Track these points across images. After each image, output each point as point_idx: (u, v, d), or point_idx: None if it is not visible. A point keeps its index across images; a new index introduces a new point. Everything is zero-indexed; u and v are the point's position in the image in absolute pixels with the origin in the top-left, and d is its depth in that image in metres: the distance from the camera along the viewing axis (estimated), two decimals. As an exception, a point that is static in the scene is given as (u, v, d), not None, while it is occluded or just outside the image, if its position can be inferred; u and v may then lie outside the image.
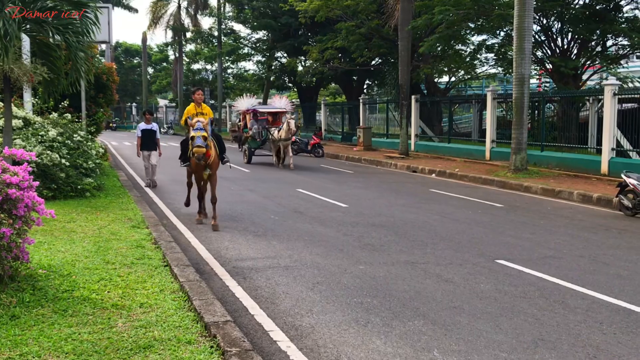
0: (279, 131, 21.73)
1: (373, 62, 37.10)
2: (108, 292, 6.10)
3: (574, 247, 9.39)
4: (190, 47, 60.42)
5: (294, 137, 22.38)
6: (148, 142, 15.92)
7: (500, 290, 6.98)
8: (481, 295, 6.75)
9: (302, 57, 41.06)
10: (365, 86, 43.08)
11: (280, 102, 25.09)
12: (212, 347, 4.76)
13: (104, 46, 33.22)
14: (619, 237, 10.22)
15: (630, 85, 22.96)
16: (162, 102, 73.37)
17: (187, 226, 10.47)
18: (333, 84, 46.66)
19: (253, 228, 10.36)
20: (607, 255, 8.87)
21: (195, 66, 62.44)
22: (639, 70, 26.04)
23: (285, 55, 43.21)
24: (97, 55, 23.05)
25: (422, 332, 5.56)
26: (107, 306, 5.65)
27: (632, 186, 12.20)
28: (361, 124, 32.24)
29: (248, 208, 12.63)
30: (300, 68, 42.25)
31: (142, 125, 16.02)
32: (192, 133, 9.87)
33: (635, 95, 19.67)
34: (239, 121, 31.39)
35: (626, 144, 18.19)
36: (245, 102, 25.10)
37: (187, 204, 11.97)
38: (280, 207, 12.75)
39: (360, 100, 33.77)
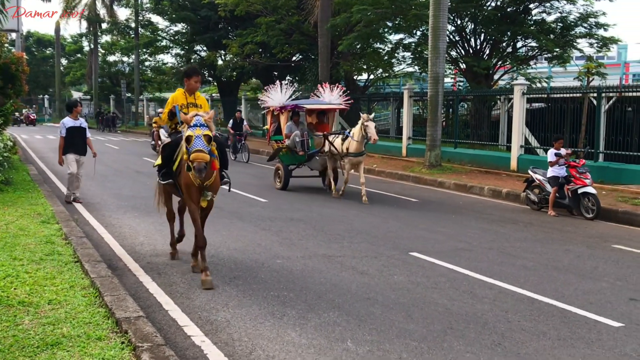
0: (343, 140, 14.00)
1: (294, 58, 37.16)
2: (15, 289, 5.88)
3: (483, 239, 9.76)
4: (106, 38, 58.60)
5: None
6: (76, 143, 12.22)
7: (413, 281, 7.18)
8: (394, 287, 6.92)
9: (222, 51, 40.62)
10: (286, 81, 43.07)
11: (331, 94, 15.79)
12: (123, 342, 4.67)
13: (14, 35, 31.76)
14: (526, 230, 10.71)
15: (538, 85, 24.02)
16: (76, 95, 70.76)
17: (100, 221, 10.18)
18: (254, 79, 46.40)
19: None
20: (514, 247, 9.28)
21: (112, 58, 60.61)
22: (546, 72, 27.23)
23: (204, 48, 42.62)
24: (7, 45, 21.98)
25: (337, 324, 5.65)
26: (13, 303, 5.44)
27: (538, 181, 12.79)
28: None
29: (165, 203, 12.41)
30: (220, 62, 41.78)
31: (68, 122, 12.27)
32: (189, 132, 6.48)
33: (543, 95, 20.60)
34: (265, 124, 19.88)
35: (534, 142, 19.03)
36: (277, 95, 15.47)
37: (174, 252, 7.99)
38: (198, 202, 12.60)
39: (282, 96, 33.71)
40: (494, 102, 22.56)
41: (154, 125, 24.05)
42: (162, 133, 23.32)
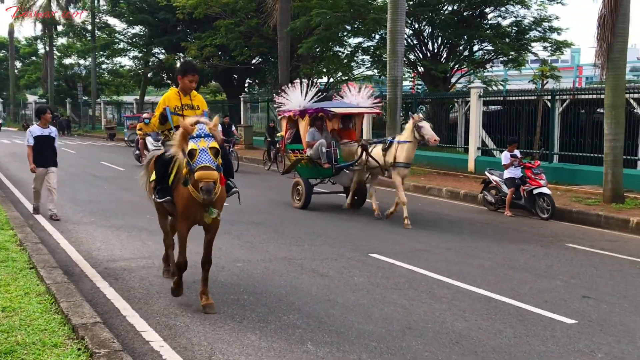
0: (385, 149, 11.69)
1: (253, 61, 37.08)
2: (-34, 297, 5.73)
3: (442, 240, 9.89)
4: (62, 40, 57.51)
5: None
6: (45, 154, 10.86)
7: (372, 282, 7.23)
8: (354, 288, 6.97)
9: (181, 54, 40.24)
10: (246, 84, 42.95)
11: (357, 95, 13.35)
12: (79, 349, 4.60)
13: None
14: (483, 231, 10.89)
15: (494, 88, 24.45)
16: (31, 98, 69.16)
17: (56, 227, 9.99)
18: (213, 82, 46.12)
19: (127, 228, 10.06)
20: (471, 247, 9.42)
21: (68, 61, 59.52)
22: (502, 75, 27.75)
23: (163, 51, 42.21)
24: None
25: (297, 326, 5.66)
26: (-36, 312, 5.30)
27: (494, 183, 13.02)
28: (242, 123, 32.14)
29: (122, 207, 12.25)
30: (178, 65, 41.41)
31: (36, 130, 10.90)
32: (192, 144, 5.45)
33: (499, 98, 20.97)
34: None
35: (490, 144, 19.36)
36: (297, 97, 12.91)
37: (177, 289, 6.34)
38: (157, 207, 12.47)
39: (241, 99, 33.65)
40: (452, 105, 22.88)
41: (139, 132, 21.86)
42: (150, 141, 20.83)
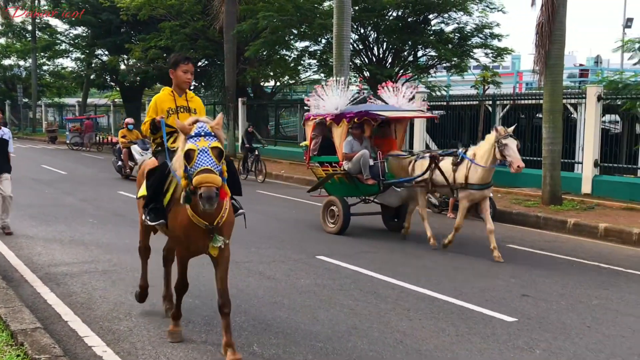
0: (456, 163, 9.45)
1: (199, 64, 36.71)
2: None
3: (387, 242, 10.04)
4: (0, 40, 55.72)
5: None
6: None
7: (319, 284, 7.29)
8: (301, 290, 7.01)
9: (125, 56, 39.56)
10: (192, 87, 42.49)
11: (398, 95, 11.13)
12: (19, 356, 4.50)
13: None
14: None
15: (438, 93, 24.92)
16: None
17: (-6, 232, 9.69)
18: (159, 84, 45.47)
19: (69, 232, 9.85)
20: (415, 248, 9.60)
21: (7, 62, 57.65)
22: (445, 80, 28.30)
23: (106, 53, 41.35)
24: None
25: (243, 328, 5.67)
26: None
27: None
28: (187, 126, 31.76)
29: (63, 212, 11.97)
30: (122, 67, 40.69)
31: None
32: (189, 144, 4.50)
33: (443, 103, 21.38)
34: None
35: (434, 147, 19.72)
36: (332, 98, 10.71)
37: (169, 305, 5.89)
38: (100, 211, 12.25)
39: (187, 102, 33.27)
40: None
41: (122, 140, 18.54)
42: (136, 150, 18.13)
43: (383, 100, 11.25)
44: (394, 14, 24.70)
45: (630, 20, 38.91)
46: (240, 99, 28.04)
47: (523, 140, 16.76)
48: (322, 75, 29.03)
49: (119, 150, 18.80)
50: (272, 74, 31.15)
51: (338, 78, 11.40)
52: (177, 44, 30.94)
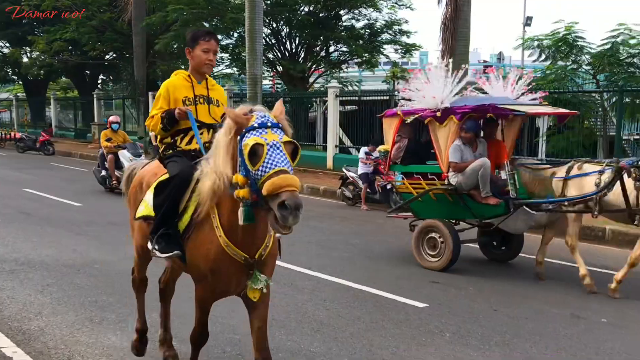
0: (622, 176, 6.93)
1: (107, 57, 35.60)
2: None
3: (303, 234, 10.12)
4: None
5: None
6: None
7: (235, 278, 7.30)
8: (217, 284, 6.99)
9: (28, 48, 37.82)
10: (99, 81, 41.15)
11: (507, 86, 8.45)
12: None
13: None
14: (342, 224, 11.31)
15: (350, 88, 25.32)
16: None
17: None
18: (64, 78, 43.74)
19: (-29, 232, 9.40)
20: (331, 240, 9.76)
21: None
22: (357, 76, 28.78)
23: (7, 44, 39.38)
24: None
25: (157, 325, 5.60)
26: None
27: (351, 179, 13.54)
28: (96, 121, 30.83)
29: (-36, 211, 11.39)
30: (25, 59, 38.87)
31: None
32: (253, 138, 3.28)
33: (355, 98, 21.76)
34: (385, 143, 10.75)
35: (347, 142, 20.05)
36: (435, 89, 7.97)
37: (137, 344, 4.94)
38: (5, 209, 11.72)
39: (95, 96, 32.26)
40: (311, 104, 23.42)
41: (105, 144, 14.77)
42: (125, 156, 14.38)
43: (483, 92, 8.71)
44: (306, 9, 24.90)
45: (529, 18, 40.82)
46: (150, 93, 27.43)
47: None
48: (235, 69, 28.87)
49: (102, 157, 15.08)
50: (183, 67, 30.62)
51: (443, 61, 8.46)
52: (84, 37, 29.95)
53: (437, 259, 7.95)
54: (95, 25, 29.80)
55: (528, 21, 40.49)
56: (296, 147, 3.38)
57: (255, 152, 3.23)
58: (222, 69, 31.64)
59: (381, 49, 25.67)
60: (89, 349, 4.96)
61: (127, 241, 8.98)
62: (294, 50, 25.61)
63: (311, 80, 26.50)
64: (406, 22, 24.95)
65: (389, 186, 12.79)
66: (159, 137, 4.34)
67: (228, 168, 3.44)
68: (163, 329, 4.90)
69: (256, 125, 3.33)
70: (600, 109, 15.75)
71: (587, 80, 16.90)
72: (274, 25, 25.18)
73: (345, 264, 8.18)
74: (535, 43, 17.44)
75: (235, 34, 25.96)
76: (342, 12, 25.09)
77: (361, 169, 13.15)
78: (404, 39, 25.19)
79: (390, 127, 8.66)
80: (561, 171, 7.59)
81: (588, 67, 16.72)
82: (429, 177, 8.27)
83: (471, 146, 7.95)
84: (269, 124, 3.35)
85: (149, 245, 4.06)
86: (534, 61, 18.87)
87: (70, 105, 37.94)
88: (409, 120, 8.20)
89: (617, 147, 12.68)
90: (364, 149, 13.35)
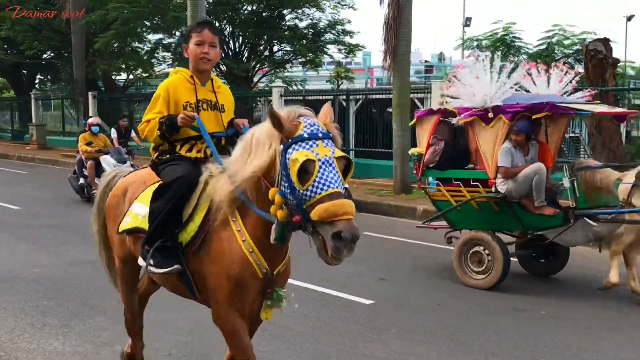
0: None
1: (45, 56, 34.60)
2: None
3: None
4: None
5: None
6: None
7: (181, 279, 7.23)
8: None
9: (-43, 47, 36.44)
10: (37, 81, 39.94)
11: (551, 81, 7.61)
12: None
13: None
14: (287, 224, 11.31)
15: (295, 88, 25.37)
16: None
17: None
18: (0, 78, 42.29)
19: None
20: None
21: None
22: (301, 75, 28.85)
23: None
24: None
25: (104, 328, 5.53)
26: None
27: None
28: (34, 121, 29.94)
29: None
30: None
31: None
32: (302, 152, 2.86)
33: (299, 97, 21.78)
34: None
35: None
36: (481, 86, 7.09)
37: None
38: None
39: (32, 96, 31.31)
40: (255, 104, 23.36)
41: (84, 149, 13.33)
42: (108, 162, 12.65)
43: (525, 90, 7.87)
44: (249, 8, 24.81)
45: (469, 19, 41.76)
46: (90, 93, 26.82)
47: (375, 133, 17.57)
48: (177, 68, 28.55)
49: (80, 163, 13.46)
50: (124, 67, 30.08)
51: (488, 54, 7.43)
52: (20, 35, 29.03)
53: (484, 276, 7.11)
54: (32, 23, 28.94)
55: (467, 22, 41.41)
56: (349, 163, 2.99)
57: (306, 169, 2.81)
58: (164, 68, 31.21)
59: (325, 49, 25.80)
60: (31, 355, 4.85)
61: (68, 245, 8.81)
62: (237, 50, 25.49)
63: (255, 79, 26.42)
64: (349, 22, 25.19)
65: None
66: (152, 145, 3.83)
67: (243, 180, 3.12)
68: (133, 341, 4.46)
69: (306, 135, 2.91)
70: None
71: (525, 80, 17.35)
72: (217, 24, 25.00)
73: (293, 264, 8.16)
74: (475, 43, 17.89)
75: (178, 33, 25.65)
76: (285, 11, 25.12)
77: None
78: (347, 39, 25.41)
79: (424, 129, 7.80)
80: (629, 176, 6.81)
81: (525, 67, 17.15)
82: (472, 183, 7.38)
83: (522, 150, 7.17)
84: (320, 135, 2.94)
85: (141, 261, 3.56)
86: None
87: (6, 106, 36.69)
88: (455, 121, 7.29)
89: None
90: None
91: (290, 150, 2.89)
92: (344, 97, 17.99)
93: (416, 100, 17.01)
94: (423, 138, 7.82)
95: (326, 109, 3.15)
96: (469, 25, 41.07)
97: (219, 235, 3.28)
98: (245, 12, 24.70)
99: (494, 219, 7.33)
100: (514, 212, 7.10)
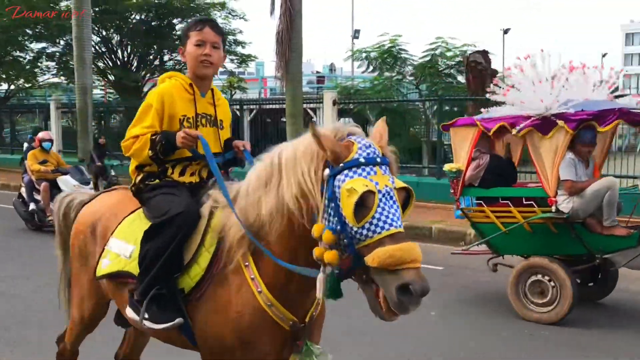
0: None
1: None
2: None
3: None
4: None
5: None
6: None
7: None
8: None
9: None
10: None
11: (594, 81, 6.31)
12: None
13: None
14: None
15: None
16: None
17: None
18: None
19: None
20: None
21: None
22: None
23: None
24: None
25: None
26: None
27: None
28: None
29: None
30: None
31: None
32: (359, 181, 2.28)
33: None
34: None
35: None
36: (539, 90, 6.06)
37: None
38: None
39: None
40: (146, 114, 22.90)
41: (35, 168, 11.21)
42: (67, 183, 10.88)
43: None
44: (138, 17, 24.32)
45: (357, 31, 42.90)
46: (-34, 106, 25.36)
47: (271, 141, 17.69)
48: (63, 78, 27.50)
49: (30, 185, 11.36)
50: (4, 76, 28.58)
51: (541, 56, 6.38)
52: None
53: (548, 308, 6.15)
54: None
55: (356, 34, 42.53)
56: (410, 194, 2.44)
57: (364, 202, 2.26)
58: (48, 78, 29.95)
59: (217, 59, 25.72)
60: None
61: (6, 259, 8.23)
62: (126, 59, 24.90)
63: (145, 89, 25.89)
64: (241, 32, 25.30)
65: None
66: (133, 164, 3.16)
67: (270, 213, 2.56)
68: None
69: (362, 160, 2.35)
70: (423, 117, 16.97)
71: (411, 90, 18.15)
72: (104, 33, 24.31)
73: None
74: (364, 55, 18.43)
75: (62, 42, 24.71)
76: (175, 20, 24.83)
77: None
78: (239, 49, 25.43)
79: (464, 140, 6.69)
80: None
81: (411, 78, 17.92)
82: (526, 204, 6.40)
83: (583, 162, 6.26)
84: (379, 159, 2.38)
85: (131, 314, 2.93)
86: (363, 72, 19.94)
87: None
88: (515, 132, 6.18)
89: (438, 153, 13.70)
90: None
91: (341, 177, 2.33)
92: (238, 107, 18.00)
93: (309, 110, 17.35)
94: (461, 151, 6.68)
95: (381, 127, 2.55)
96: (357, 37, 42.18)
97: (227, 281, 2.70)
98: (134, 21, 24.18)
99: (551, 243, 6.39)
100: (577, 233, 6.17)
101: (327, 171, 2.38)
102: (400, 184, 2.37)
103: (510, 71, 6.46)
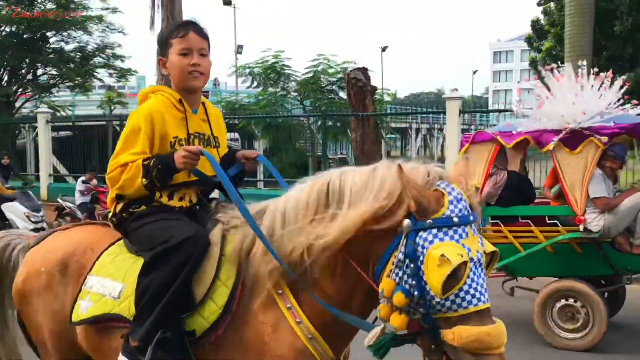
0: None
1: None
2: None
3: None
4: None
5: None
6: None
7: None
8: None
9: None
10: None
11: (592, 89, 5.74)
12: None
13: None
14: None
15: (63, 113, 24.05)
16: None
17: None
18: None
19: None
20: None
21: None
22: (69, 100, 27.42)
23: None
24: None
25: None
26: None
27: (69, 209, 12.89)
28: None
29: None
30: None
31: None
32: (450, 245, 1.95)
33: (69, 124, 20.72)
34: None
35: (63, 170, 18.99)
36: (570, 101, 5.59)
37: None
38: None
39: None
40: (19, 131, 21.71)
41: None
42: (15, 212, 9.83)
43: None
44: (8, 29, 23.11)
45: (240, 47, 42.98)
46: None
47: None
48: None
49: None
50: None
51: (580, 64, 5.95)
52: None
53: (580, 335, 5.72)
54: None
55: (239, 49, 42.59)
56: (494, 258, 2.12)
57: (456, 274, 1.93)
58: None
59: (94, 73, 24.86)
60: None
61: None
62: (-5, 74, 23.55)
63: (18, 105, 24.57)
64: (119, 46, 24.56)
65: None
66: (112, 193, 2.63)
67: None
68: None
69: (455, 218, 1.99)
70: (308, 132, 17.28)
71: (296, 105, 18.44)
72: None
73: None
74: (247, 70, 18.52)
75: None
76: (49, 33, 23.77)
77: (79, 199, 12.60)
78: (118, 63, 24.74)
79: (481, 156, 6.17)
80: None
81: (295, 94, 18.22)
82: (550, 223, 5.98)
83: (611, 178, 5.91)
84: (471, 218, 2.03)
85: None
86: (248, 87, 20.02)
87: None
88: (551, 147, 5.66)
89: (324, 166, 13.98)
90: (81, 179, 12.84)
91: (428, 237, 1.98)
92: (118, 122, 17.48)
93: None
94: (479, 167, 6.12)
95: (463, 167, 2.15)
96: (241, 53, 42.25)
97: (257, 319, 2.30)
98: (4, 33, 22.93)
99: (574, 263, 5.93)
100: (604, 253, 5.78)
101: (407, 222, 2.01)
102: (489, 247, 2.06)
103: (536, 82, 6.03)
